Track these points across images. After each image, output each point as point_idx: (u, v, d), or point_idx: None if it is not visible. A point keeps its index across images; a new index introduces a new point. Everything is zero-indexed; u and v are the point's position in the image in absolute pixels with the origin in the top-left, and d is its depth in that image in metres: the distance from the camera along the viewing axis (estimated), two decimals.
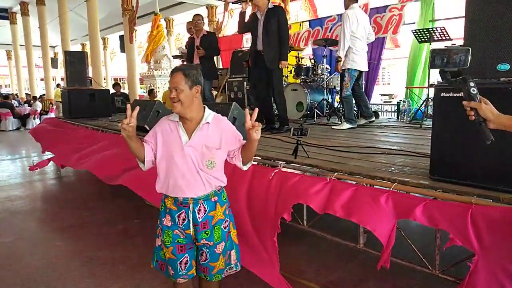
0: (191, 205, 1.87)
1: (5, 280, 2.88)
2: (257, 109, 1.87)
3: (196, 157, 1.85)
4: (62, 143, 5.63)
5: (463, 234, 1.62)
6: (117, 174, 3.75)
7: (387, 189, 2.16)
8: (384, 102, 8.74)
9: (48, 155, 6.62)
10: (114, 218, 4.26)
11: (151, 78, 11.38)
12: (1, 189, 5.58)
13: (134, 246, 3.45)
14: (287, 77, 6.89)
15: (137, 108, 1.85)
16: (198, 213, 1.88)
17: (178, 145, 1.85)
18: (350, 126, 4.94)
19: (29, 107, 14.55)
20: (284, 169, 2.84)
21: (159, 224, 1.97)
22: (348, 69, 4.90)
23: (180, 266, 1.92)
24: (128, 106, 1.85)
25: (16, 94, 20.49)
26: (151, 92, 10.28)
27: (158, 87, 11.00)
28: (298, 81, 6.76)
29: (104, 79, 20.10)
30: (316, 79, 6.50)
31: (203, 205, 1.89)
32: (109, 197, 5.24)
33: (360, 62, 4.95)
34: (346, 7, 4.95)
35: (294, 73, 6.74)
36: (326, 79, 6.28)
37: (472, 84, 1.29)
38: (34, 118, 14.17)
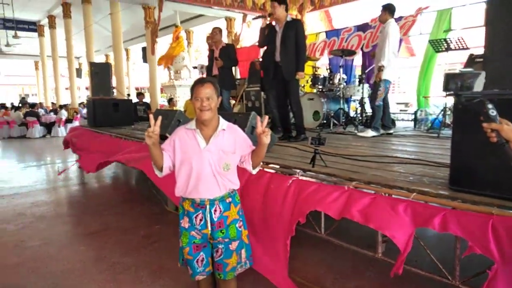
0: (207, 206, 2.04)
1: (33, 283, 3.00)
2: (267, 117, 2.06)
3: (213, 160, 2.02)
4: (88, 148, 5.80)
5: (483, 243, 1.63)
6: (137, 158, 3.89)
7: (406, 198, 2.17)
8: (400, 110, 8.70)
9: (72, 161, 6.82)
10: (136, 224, 4.38)
11: (171, 88, 11.65)
12: (28, 195, 5.80)
13: (156, 252, 3.54)
14: (303, 86, 6.95)
15: (160, 117, 1.96)
16: (214, 213, 2.06)
17: (197, 150, 2.02)
18: (375, 134, 5.03)
19: (55, 115, 15.05)
20: (302, 178, 2.88)
21: (179, 225, 2.15)
22: (385, 80, 4.97)
23: (197, 264, 2.10)
24: (151, 116, 2.01)
25: (41, 103, 21.22)
26: (170, 101, 10.52)
27: (178, 96, 11.24)
28: (315, 90, 6.81)
29: (127, 88, 20.68)
30: (332, 88, 6.54)
31: (219, 206, 2.06)
32: (131, 203, 5.39)
33: (393, 74, 5.07)
34: (384, 21, 5.01)
35: (310, 83, 6.80)
36: (342, 88, 6.31)
37: (490, 106, 1.27)
38: (59, 126, 14.65)
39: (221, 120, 2.09)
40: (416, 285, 2.84)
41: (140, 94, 10.61)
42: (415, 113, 6.30)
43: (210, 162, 2.01)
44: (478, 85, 3.42)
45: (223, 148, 2.04)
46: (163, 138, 4.61)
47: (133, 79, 26.85)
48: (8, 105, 17.31)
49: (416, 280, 2.94)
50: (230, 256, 2.11)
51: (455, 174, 2.15)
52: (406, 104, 11.08)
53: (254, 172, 2.20)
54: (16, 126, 14.50)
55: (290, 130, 4.94)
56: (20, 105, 17.81)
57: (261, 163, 3.17)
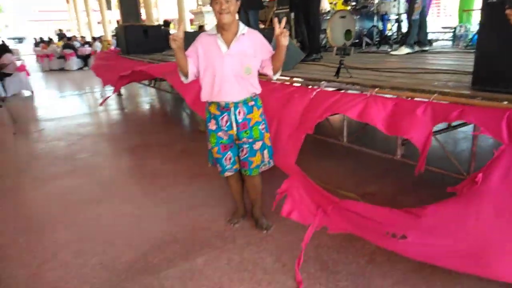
0: (232, 109, 2.19)
1: (85, 184, 3.43)
2: (285, 18, 2.05)
3: (235, 64, 2.10)
4: (119, 71, 5.99)
5: (495, 129, 1.68)
6: (170, 71, 4.07)
7: (427, 100, 2.21)
8: (442, 28, 8.09)
9: (110, 89, 7.15)
10: (173, 140, 4.71)
11: (199, 14, 11.44)
12: (73, 118, 6.26)
13: (191, 162, 3.86)
14: (335, 4, 6.62)
15: (183, 22, 2.06)
16: (238, 115, 2.21)
17: (219, 55, 2.10)
18: (409, 50, 4.79)
19: (90, 48, 15.38)
20: (326, 89, 2.94)
21: (207, 128, 2.34)
22: None
23: (225, 162, 2.34)
24: (178, 21, 2.10)
25: (75, 36, 21.58)
26: (200, 28, 10.40)
27: (206, 23, 11.07)
28: (347, 8, 6.48)
29: (156, 20, 20.41)
30: (366, 5, 6.18)
31: (242, 108, 2.21)
32: (167, 125, 5.73)
33: None
34: None
35: (343, 0, 6.46)
36: (377, 4, 5.97)
37: None
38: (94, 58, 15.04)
39: (241, 24, 2.13)
40: (433, 185, 2.99)
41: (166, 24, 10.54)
42: (454, 29, 5.92)
43: (231, 66, 2.10)
44: None
45: (244, 52, 2.10)
46: None
47: (162, 11, 26.41)
48: (46, 39, 17.72)
49: (434, 180, 3.08)
50: (254, 154, 2.30)
51: (478, 74, 2.14)
52: (452, 28, 10.22)
53: (274, 78, 2.28)
54: (55, 58, 15.03)
55: (317, 49, 4.85)
56: (58, 38, 18.24)
57: (286, 78, 3.27)
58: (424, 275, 1.97)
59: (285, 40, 2.00)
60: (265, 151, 2.36)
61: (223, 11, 1.99)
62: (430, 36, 7.75)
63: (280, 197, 2.38)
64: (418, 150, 1.98)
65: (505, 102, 1.88)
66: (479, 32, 2.16)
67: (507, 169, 1.55)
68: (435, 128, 3.33)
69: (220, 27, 2.10)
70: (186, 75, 2.21)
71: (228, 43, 2.10)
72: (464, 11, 6.20)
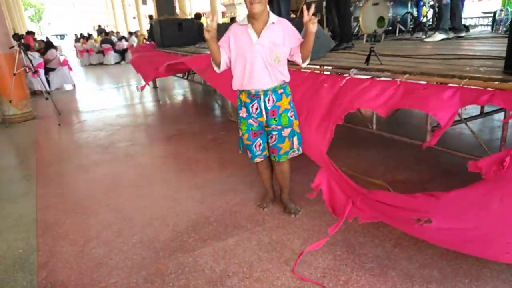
0: (261, 96, 2.28)
1: (125, 171, 3.65)
2: (313, 5, 2.11)
3: (265, 53, 2.18)
4: (156, 64, 6.21)
5: None
6: (205, 67, 4.19)
7: (457, 85, 2.19)
8: (482, 13, 7.70)
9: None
10: (205, 130, 4.87)
11: (231, 6, 11.55)
12: (112, 110, 6.59)
13: (223, 150, 4.00)
14: None
15: (216, 14, 2.15)
16: (268, 102, 2.29)
17: (249, 44, 2.18)
18: (444, 36, 4.62)
19: (126, 42, 15.93)
20: (356, 76, 2.96)
21: (238, 116, 2.43)
22: None
23: (255, 148, 2.44)
24: (211, 13, 2.20)
25: (112, 32, 22.39)
26: (232, 20, 10.51)
27: (238, 15, 11.16)
28: None
29: (189, 14, 20.74)
30: None
31: (272, 96, 2.28)
32: (200, 115, 5.92)
33: None
34: None
35: None
36: None
37: None
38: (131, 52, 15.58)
39: (271, 14, 2.20)
40: (461, 175, 2.95)
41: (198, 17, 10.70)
42: (494, 13, 5.65)
43: (261, 54, 2.18)
44: None
45: (273, 41, 2.17)
46: None
47: (194, 4, 26.79)
48: (85, 35, 18.53)
49: (461, 170, 3.03)
50: (283, 141, 2.38)
51: (511, 57, 2.10)
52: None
53: (303, 65, 2.33)
54: (94, 53, 15.71)
55: (349, 37, 4.81)
56: (97, 34, 19.01)
57: (316, 66, 3.30)
58: (449, 259, 1.98)
59: (313, 27, 2.04)
60: (294, 138, 2.43)
61: (254, 1, 2.06)
62: (468, 22, 7.46)
63: (316, 191, 2.42)
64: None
65: None
66: None
67: None
68: (468, 115, 3.28)
69: (251, 17, 2.18)
70: (218, 65, 2.31)
71: (258, 33, 2.18)
72: None
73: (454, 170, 3.06)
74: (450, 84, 2.28)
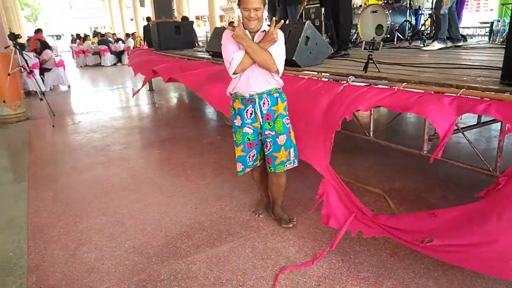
0: (256, 100, 2.24)
1: (118, 174, 3.60)
2: (282, 21, 2.18)
3: None
4: (153, 65, 6.20)
5: None
6: (200, 84, 4.17)
7: (455, 95, 2.19)
8: (480, 23, 7.77)
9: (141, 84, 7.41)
10: (200, 134, 4.85)
11: (229, 10, 11.57)
12: (107, 112, 6.55)
13: (218, 155, 3.97)
14: None
15: (240, 20, 2.13)
16: (263, 106, 2.26)
17: (243, 48, 2.15)
18: (442, 46, 4.69)
19: (123, 44, 15.89)
20: (353, 83, 2.95)
21: (233, 127, 2.37)
22: None
23: (248, 159, 2.38)
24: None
25: (108, 33, 22.34)
26: (230, 24, 10.51)
27: (237, 20, 11.18)
28: (380, 2, 6.38)
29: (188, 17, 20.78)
30: None
31: (267, 99, 2.26)
32: (195, 119, 5.89)
33: None
34: None
35: None
36: None
37: None
38: (128, 54, 15.52)
39: (264, 23, 2.22)
40: (459, 182, 2.95)
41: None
42: (491, 24, 5.71)
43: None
44: None
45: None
46: (220, 55, 4.84)
47: (192, 7, 26.85)
48: (82, 36, 18.46)
49: (459, 178, 3.04)
50: (278, 150, 2.30)
51: (507, 68, 2.10)
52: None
53: (275, 75, 2.26)
54: (91, 55, 15.65)
55: (346, 44, 4.82)
56: (93, 35, 18.95)
57: (314, 72, 3.29)
58: (445, 269, 1.97)
59: (268, 38, 2.10)
60: (291, 150, 2.36)
61: (252, 18, 2.10)
62: (466, 32, 7.52)
63: (319, 201, 2.36)
64: (438, 138, 1.97)
65: None
66: (510, 26, 2.12)
67: None
68: (465, 124, 3.28)
69: (245, 27, 2.18)
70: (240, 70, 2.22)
71: (252, 38, 2.20)
72: (503, 4, 5.96)
73: (451, 179, 3.06)
74: (447, 94, 2.28)
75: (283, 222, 2.50)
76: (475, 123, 3.04)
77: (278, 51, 2.18)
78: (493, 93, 2.07)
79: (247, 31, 2.18)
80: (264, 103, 2.26)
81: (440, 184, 3.00)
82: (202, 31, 15.71)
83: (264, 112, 2.27)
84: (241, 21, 2.15)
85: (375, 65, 3.05)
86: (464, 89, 2.20)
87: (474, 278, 1.90)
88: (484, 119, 3.04)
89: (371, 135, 2.98)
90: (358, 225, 2.13)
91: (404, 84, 2.55)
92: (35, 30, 12.67)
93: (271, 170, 2.38)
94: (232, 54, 2.16)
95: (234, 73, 2.22)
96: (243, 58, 2.16)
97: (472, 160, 2.38)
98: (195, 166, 3.69)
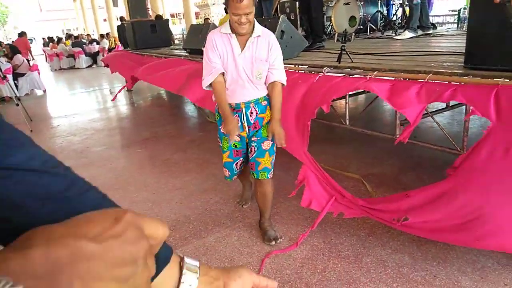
0: (243, 109, 2.10)
1: (101, 175, 3.61)
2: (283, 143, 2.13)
3: (247, 67, 2.03)
4: (130, 67, 6.17)
5: (484, 107, 1.79)
6: (181, 84, 4.15)
7: (422, 80, 2.32)
8: (449, 11, 8.04)
9: (118, 85, 7.35)
10: (182, 132, 4.88)
11: (205, 7, 11.53)
12: (85, 114, 6.47)
13: (201, 151, 4.02)
14: None
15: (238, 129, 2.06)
16: (250, 116, 2.12)
17: (231, 56, 2.02)
18: (412, 35, 4.84)
19: (98, 45, 15.61)
20: (329, 74, 3.06)
21: (218, 133, 2.22)
22: None
23: (236, 167, 2.27)
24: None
25: (82, 35, 21.88)
26: (206, 20, 10.50)
27: (212, 16, 11.17)
28: None
29: (162, 14, 20.56)
30: None
31: (254, 108, 2.11)
32: (176, 117, 5.91)
33: None
34: None
35: None
36: None
37: None
38: (103, 55, 15.26)
39: (257, 25, 2.02)
40: (432, 165, 3.11)
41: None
42: (459, 11, 5.93)
43: (244, 68, 2.02)
44: None
45: (257, 56, 2.02)
46: (198, 52, 4.87)
47: (167, 5, 26.56)
48: (55, 39, 18.03)
49: (431, 160, 3.19)
50: (262, 155, 2.14)
51: (470, 53, 2.24)
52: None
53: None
54: (65, 57, 15.31)
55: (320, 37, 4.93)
56: (65, 38, 18.51)
57: (291, 65, 3.38)
58: (420, 244, 2.10)
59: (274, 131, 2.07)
60: (274, 156, 2.23)
61: (243, 23, 1.92)
62: (436, 19, 7.77)
63: (299, 186, 2.41)
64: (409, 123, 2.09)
65: (494, 80, 1.98)
66: (469, 12, 2.26)
67: (493, 148, 1.67)
68: (434, 108, 3.44)
69: (235, 30, 2.00)
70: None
71: (242, 44, 2.02)
72: None
73: (425, 162, 3.21)
74: (417, 80, 2.41)
75: (266, 239, 2.27)
76: (445, 106, 3.19)
77: (282, 74, 2.11)
78: (457, 77, 2.20)
79: (234, 37, 2.01)
80: (251, 113, 2.12)
81: (415, 167, 3.15)
82: (178, 29, 15.60)
83: (252, 121, 2.13)
84: (229, 24, 1.99)
85: (348, 55, 3.16)
86: (431, 74, 2.32)
87: (447, 251, 2.03)
88: (452, 102, 3.20)
89: (347, 123, 3.09)
90: (339, 207, 2.24)
91: (376, 72, 2.67)
92: (19, 34, 12.28)
93: (254, 176, 2.22)
94: (212, 70, 2.03)
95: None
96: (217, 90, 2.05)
97: (442, 142, 2.52)
98: (178, 162, 3.73)
